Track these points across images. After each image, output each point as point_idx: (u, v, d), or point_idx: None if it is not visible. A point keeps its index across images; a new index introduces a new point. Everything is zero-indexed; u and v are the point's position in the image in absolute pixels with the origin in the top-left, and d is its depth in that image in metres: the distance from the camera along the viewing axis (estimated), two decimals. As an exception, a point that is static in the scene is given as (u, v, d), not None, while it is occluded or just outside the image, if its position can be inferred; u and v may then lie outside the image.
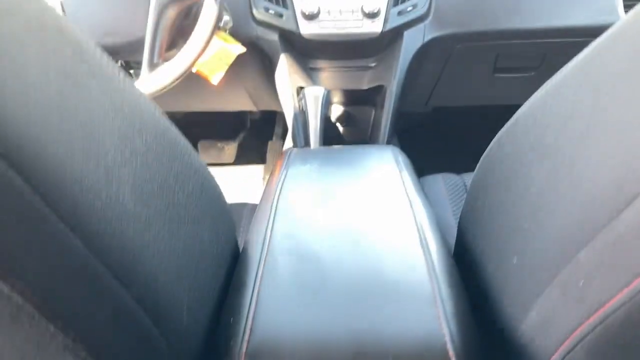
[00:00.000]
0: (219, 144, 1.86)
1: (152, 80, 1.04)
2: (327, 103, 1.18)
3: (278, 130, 1.89)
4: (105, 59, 0.41)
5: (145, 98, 0.45)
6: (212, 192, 0.56)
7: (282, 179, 0.70)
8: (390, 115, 1.27)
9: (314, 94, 1.16)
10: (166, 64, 1.04)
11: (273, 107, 1.54)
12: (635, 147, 0.33)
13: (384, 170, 0.71)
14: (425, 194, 1.09)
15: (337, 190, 0.65)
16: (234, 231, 0.64)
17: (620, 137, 0.35)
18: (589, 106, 0.39)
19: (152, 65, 1.04)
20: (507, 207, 0.49)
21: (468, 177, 1.14)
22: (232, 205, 1.09)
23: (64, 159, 0.31)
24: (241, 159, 1.89)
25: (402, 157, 0.78)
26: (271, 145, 1.88)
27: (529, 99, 0.51)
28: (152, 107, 0.46)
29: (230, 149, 1.86)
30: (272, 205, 0.62)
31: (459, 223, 0.68)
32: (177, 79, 1.05)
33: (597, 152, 0.36)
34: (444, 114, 1.74)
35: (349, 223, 0.58)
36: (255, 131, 1.92)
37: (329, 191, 0.65)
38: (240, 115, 1.93)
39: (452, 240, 0.84)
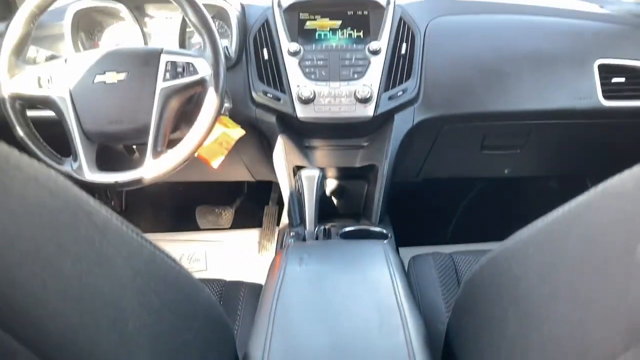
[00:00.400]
0: (217, 210, 1.91)
1: (155, 167, 1.09)
2: (321, 185, 1.23)
3: (274, 195, 1.95)
4: (125, 227, 0.45)
5: (159, 247, 0.50)
6: (216, 316, 0.60)
7: (279, 284, 0.74)
8: (382, 195, 1.33)
9: (310, 177, 1.21)
10: (169, 151, 1.09)
11: (270, 178, 1.60)
12: (592, 324, 0.38)
13: (377, 275, 0.76)
14: (416, 276, 1.13)
15: (332, 300, 0.69)
16: (234, 344, 0.68)
17: (579, 312, 0.39)
18: (554, 277, 0.43)
19: (156, 153, 1.09)
20: (486, 340, 0.53)
21: (457, 257, 1.18)
22: (228, 283, 1.13)
23: (93, 342, 0.35)
24: (238, 223, 1.94)
25: (392, 257, 0.83)
26: (267, 209, 1.92)
27: (506, 242, 0.56)
28: (164, 255, 0.50)
29: (227, 215, 1.91)
30: (269, 318, 0.66)
31: (447, 332, 0.72)
32: (179, 166, 1.10)
33: (561, 320, 0.41)
34: (434, 184, 1.80)
35: (343, 340, 0.62)
36: (252, 196, 1.97)
37: (324, 302, 0.69)
38: (237, 182, 1.99)
39: (443, 327, 0.88)
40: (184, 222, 1.94)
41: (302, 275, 0.76)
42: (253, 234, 1.89)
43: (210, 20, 1.07)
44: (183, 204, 1.94)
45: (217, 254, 1.86)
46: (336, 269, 0.78)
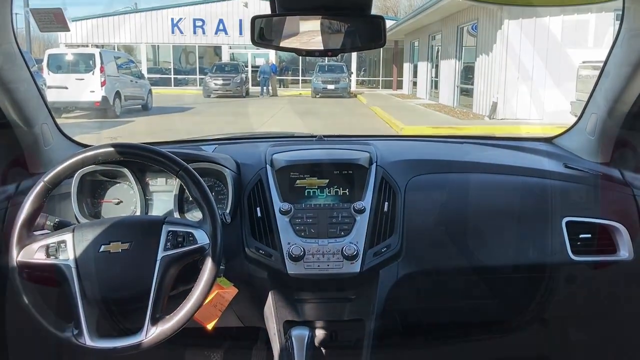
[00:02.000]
0: (206, 353, 1.92)
1: (153, 334, 1.13)
2: (311, 345, 1.28)
3: (262, 335, 1.96)
4: None
5: None
6: None
7: None
8: (369, 353, 1.37)
9: (299, 337, 1.27)
10: (167, 319, 1.14)
11: (259, 325, 1.63)
12: None
13: None
14: None
15: None
16: None
17: None
18: None
19: (155, 320, 1.14)
20: None
21: None
22: None
23: None
24: None
25: None
26: (255, 352, 1.93)
27: None
28: None
29: (216, 358, 1.91)
30: None
31: None
32: (176, 331, 1.15)
33: None
34: (419, 326, 1.85)
35: None
36: (241, 338, 1.98)
37: None
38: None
39: None
40: None
41: None
42: (242, 375, 1.89)
43: (211, 197, 1.17)
44: (172, 347, 1.94)
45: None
46: None
